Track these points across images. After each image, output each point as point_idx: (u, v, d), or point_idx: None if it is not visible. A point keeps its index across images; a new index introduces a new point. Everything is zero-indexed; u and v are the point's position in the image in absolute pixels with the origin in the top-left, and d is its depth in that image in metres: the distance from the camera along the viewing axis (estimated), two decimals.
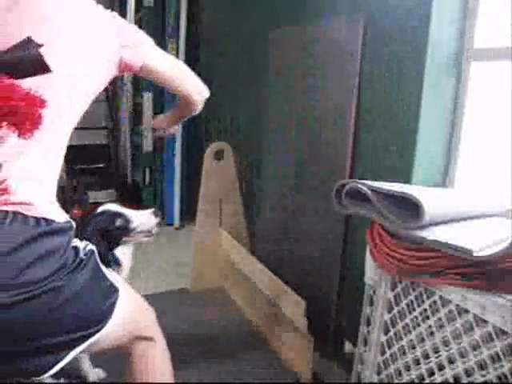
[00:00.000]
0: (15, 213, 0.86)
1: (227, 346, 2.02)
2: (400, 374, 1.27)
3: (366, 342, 1.40)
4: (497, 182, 1.38)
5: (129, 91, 3.74)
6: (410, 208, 1.11)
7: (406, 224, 1.13)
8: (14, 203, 0.86)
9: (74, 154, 3.60)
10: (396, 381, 1.28)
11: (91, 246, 1.01)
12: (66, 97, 0.97)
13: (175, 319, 2.20)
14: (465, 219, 1.24)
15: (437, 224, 1.15)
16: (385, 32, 1.53)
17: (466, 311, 1.06)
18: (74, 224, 0.98)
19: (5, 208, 0.85)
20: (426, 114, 1.41)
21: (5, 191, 0.85)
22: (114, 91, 4.34)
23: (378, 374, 1.35)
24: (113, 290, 1.02)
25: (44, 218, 0.88)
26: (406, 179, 1.44)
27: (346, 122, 1.70)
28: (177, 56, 3.23)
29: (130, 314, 1.09)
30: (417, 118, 1.41)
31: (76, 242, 0.97)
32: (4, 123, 0.81)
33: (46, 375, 0.92)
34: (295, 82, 2.02)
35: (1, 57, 0.88)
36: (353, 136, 1.68)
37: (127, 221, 1.43)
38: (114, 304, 1.00)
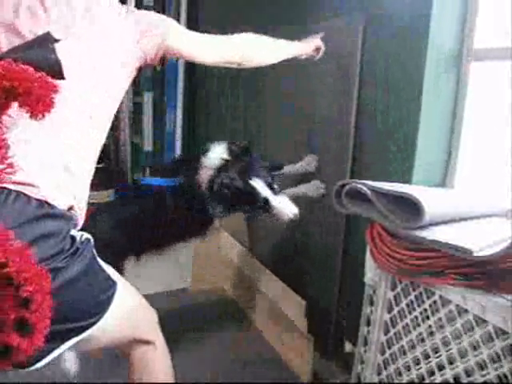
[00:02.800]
0: (18, 193, 0.86)
1: (227, 346, 2.02)
2: (400, 374, 1.27)
3: (366, 342, 1.40)
4: (497, 182, 1.38)
5: (129, 91, 3.74)
6: (410, 208, 1.11)
7: (406, 224, 1.13)
8: (18, 183, 0.87)
9: None
10: (396, 381, 1.28)
11: (87, 235, 0.99)
12: (78, 90, 0.99)
13: (175, 319, 2.20)
14: (465, 219, 1.24)
15: (437, 224, 1.15)
16: (385, 32, 1.53)
17: (466, 311, 1.06)
18: (76, 214, 0.98)
19: (9, 186, 0.86)
20: (426, 114, 1.41)
21: (11, 168, 0.84)
22: None
23: (378, 374, 1.35)
24: (110, 283, 1.01)
25: (46, 202, 0.89)
26: (406, 179, 1.44)
27: (346, 121, 1.70)
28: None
29: (130, 313, 1.08)
30: (417, 118, 1.41)
31: (74, 232, 0.96)
32: (16, 104, 0.81)
33: (35, 367, 0.90)
34: (295, 82, 2.02)
35: (17, 53, 0.89)
36: (353, 136, 1.68)
37: None
38: (111, 297, 0.99)
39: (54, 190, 0.92)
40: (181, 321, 2.19)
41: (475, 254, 1.00)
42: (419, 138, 1.42)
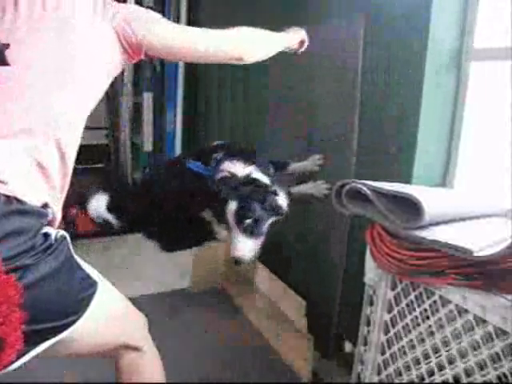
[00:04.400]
0: None
1: (227, 345, 2.02)
2: (400, 373, 1.27)
3: (366, 342, 1.40)
4: (497, 181, 1.38)
5: (129, 91, 3.74)
6: (410, 208, 1.11)
7: (406, 224, 1.13)
8: None
9: None
10: (396, 381, 1.28)
11: (63, 232, 0.96)
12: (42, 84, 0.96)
13: (175, 319, 2.21)
14: (465, 219, 1.24)
15: (437, 224, 1.15)
16: (385, 32, 1.53)
17: (466, 311, 1.06)
18: (50, 212, 0.94)
19: None
20: (425, 113, 1.41)
21: None
22: (114, 91, 4.34)
23: (378, 374, 1.35)
24: (89, 283, 0.97)
25: (15, 198, 0.86)
26: (406, 179, 1.44)
27: (346, 121, 1.70)
28: None
29: (114, 317, 1.05)
30: (417, 118, 1.41)
31: (48, 229, 0.92)
32: None
33: (7, 370, 0.84)
34: (295, 82, 2.02)
35: None
36: (354, 136, 1.68)
37: None
38: (89, 297, 0.95)
39: (24, 186, 0.89)
40: (181, 321, 2.19)
41: (475, 254, 1.00)
42: (419, 138, 1.42)
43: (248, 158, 1.64)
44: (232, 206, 1.50)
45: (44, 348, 0.89)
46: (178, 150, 3.38)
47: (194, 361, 1.90)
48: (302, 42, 1.51)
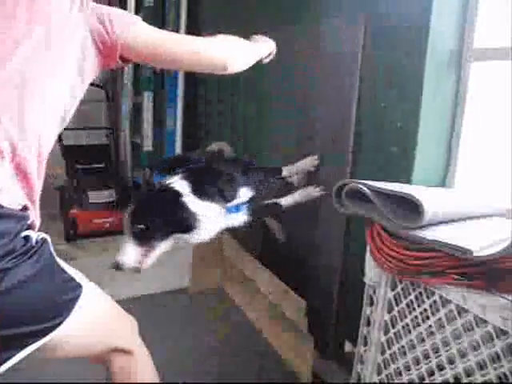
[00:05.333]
0: None
1: (227, 345, 2.02)
2: (400, 373, 1.27)
3: (366, 342, 1.40)
4: (497, 181, 1.38)
5: (129, 91, 3.74)
6: (410, 208, 1.11)
7: (406, 224, 1.13)
8: None
9: (74, 154, 3.62)
10: (396, 381, 1.28)
11: (44, 235, 0.95)
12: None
13: (175, 319, 2.21)
14: (465, 219, 1.24)
15: (437, 224, 1.15)
16: (385, 32, 1.53)
17: (466, 311, 1.06)
18: (30, 215, 0.93)
19: None
20: (425, 113, 1.41)
21: None
22: (114, 91, 4.34)
23: (378, 374, 1.35)
24: (73, 285, 0.96)
25: None
26: (406, 179, 1.44)
27: (346, 121, 1.70)
28: None
29: (102, 320, 1.04)
30: (417, 118, 1.41)
31: (28, 232, 0.91)
32: None
33: None
34: (295, 82, 2.02)
35: None
36: (353, 136, 1.68)
37: None
38: (73, 300, 0.94)
39: (3, 189, 0.88)
40: (180, 321, 2.19)
41: (475, 254, 1.00)
42: (419, 137, 1.42)
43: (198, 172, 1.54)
44: (129, 209, 1.43)
45: (28, 352, 0.88)
46: (178, 150, 3.38)
47: (193, 361, 1.90)
48: (270, 53, 1.48)
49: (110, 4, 4.41)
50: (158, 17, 3.38)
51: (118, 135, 4.05)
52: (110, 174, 3.73)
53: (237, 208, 1.62)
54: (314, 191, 1.82)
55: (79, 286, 0.96)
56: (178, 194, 1.41)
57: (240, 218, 1.64)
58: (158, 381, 1.14)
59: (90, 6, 1.04)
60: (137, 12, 3.50)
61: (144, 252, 1.40)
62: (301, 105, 1.99)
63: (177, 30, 3.23)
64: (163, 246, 1.42)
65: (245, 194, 1.64)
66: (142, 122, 3.57)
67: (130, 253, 1.36)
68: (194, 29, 3.24)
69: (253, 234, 2.39)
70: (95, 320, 1.02)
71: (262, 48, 1.38)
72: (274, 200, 1.81)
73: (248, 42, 1.30)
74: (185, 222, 1.41)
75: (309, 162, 1.89)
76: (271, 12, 2.21)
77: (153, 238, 1.39)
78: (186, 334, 2.09)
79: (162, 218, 1.38)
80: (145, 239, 1.38)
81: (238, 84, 2.62)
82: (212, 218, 1.47)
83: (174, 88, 3.31)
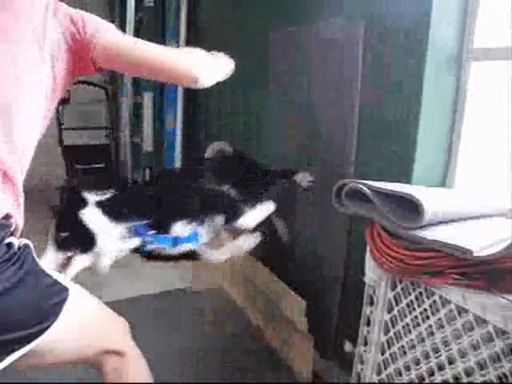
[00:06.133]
0: None
1: (227, 345, 2.02)
2: (400, 373, 1.27)
3: (366, 342, 1.40)
4: (497, 181, 1.38)
5: (129, 91, 3.74)
6: (410, 208, 1.11)
7: (406, 224, 1.13)
8: None
9: (74, 154, 3.62)
10: (396, 381, 1.28)
11: (26, 241, 0.95)
12: None
13: (175, 319, 2.21)
14: (465, 219, 1.24)
15: (437, 224, 1.15)
16: (385, 32, 1.53)
17: (466, 311, 1.06)
18: (12, 222, 0.93)
19: None
20: (426, 113, 1.41)
21: None
22: (114, 91, 4.34)
23: (378, 373, 1.35)
24: (58, 289, 0.95)
25: None
26: (406, 179, 1.44)
27: (346, 121, 1.70)
28: None
29: (91, 322, 1.04)
30: (417, 118, 1.41)
31: (10, 239, 0.91)
32: None
33: None
34: (295, 82, 2.02)
35: None
36: (354, 136, 1.68)
37: None
38: (60, 304, 0.93)
39: None
40: (181, 321, 2.19)
41: (475, 254, 1.00)
42: (419, 138, 1.42)
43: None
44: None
45: (14, 359, 0.87)
46: (177, 150, 3.38)
47: (193, 360, 1.90)
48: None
49: (110, 4, 4.41)
50: (158, 17, 3.38)
51: (117, 135, 4.05)
52: (110, 174, 3.74)
53: (174, 241, 1.47)
54: (255, 237, 1.74)
55: (65, 289, 0.96)
56: (78, 206, 1.37)
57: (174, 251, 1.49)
58: (152, 380, 1.13)
59: (63, 9, 1.03)
60: (137, 12, 3.51)
61: (64, 260, 1.36)
62: (302, 105, 1.99)
63: (177, 30, 3.23)
64: (82, 259, 1.35)
65: (184, 228, 1.48)
66: (142, 122, 3.57)
67: (49, 258, 1.33)
68: (194, 29, 3.25)
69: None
70: (84, 323, 1.01)
71: (227, 64, 1.32)
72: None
73: (215, 58, 1.25)
74: (91, 244, 1.35)
75: (302, 178, 1.88)
76: (271, 12, 2.21)
77: (73, 247, 1.34)
78: (186, 333, 2.09)
79: (83, 233, 1.34)
80: (64, 248, 1.34)
81: (238, 84, 2.62)
82: (110, 240, 1.38)
83: (174, 88, 3.31)
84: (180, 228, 1.46)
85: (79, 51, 1.03)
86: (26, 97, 0.96)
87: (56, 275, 0.98)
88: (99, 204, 1.39)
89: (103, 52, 1.04)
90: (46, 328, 0.90)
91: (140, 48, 1.08)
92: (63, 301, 0.94)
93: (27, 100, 0.97)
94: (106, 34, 1.04)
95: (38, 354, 0.92)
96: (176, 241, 1.47)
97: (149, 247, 1.44)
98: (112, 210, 1.38)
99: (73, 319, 0.95)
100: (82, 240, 1.33)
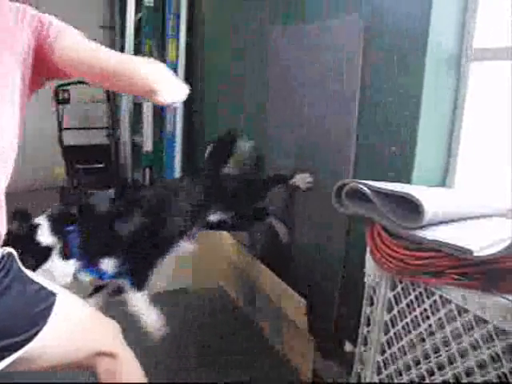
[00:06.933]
0: None
1: (227, 345, 2.02)
2: (400, 373, 1.27)
3: (366, 342, 1.40)
4: (497, 181, 1.38)
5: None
6: (410, 208, 1.11)
7: (406, 224, 1.13)
8: None
9: (74, 154, 3.62)
10: (396, 381, 1.28)
11: (9, 249, 0.94)
12: None
13: (175, 319, 2.20)
14: (465, 219, 1.24)
15: (437, 224, 1.15)
16: (385, 32, 1.52)
17: (466, 311, 1.06)
18: None
19: None
20: (425, 113, 1.41)
21: None
22: (114, 91, 4.33)
23: (378, 373, 1.35)
24: (45, 294, 0.95)
25: None
26: (406, 179, 1.44)
27: (346, 122, 1.70)
28: (177, 56, 3.23)
29: (81, 325, 1.04)
30: (417, 118, 1.41)
31: None
32: None
33: None
34: (295, 81, 2.02)
35: None
36: (353, 136, 1.68)
37: None
38: (48, 309, 0.93)
39: None
40: (181, 321, 2.19)
41: (475, 254, 1.00)
42: (419, 138, 1.42)
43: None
44: None
45: (3, 366, 0.87)
46: (177, 150, 3.38)
47: (193, 360, 1.90)
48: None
49: (109, 4, 4.41)
50: (158, 17, 3.38)
51: (118, 135, 4.05)
52: (110, 174, 3.74)
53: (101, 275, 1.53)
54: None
55: (52, 294, 0.96)
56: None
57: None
58: (145, 380, 1.13)
59: (31, 12, 1.02)
60: (137, 12, 3.51)
61: None
62: (302, 105, 1.99)
63: (177, 30, 3.23)
64: None
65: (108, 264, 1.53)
66: (142, 122, 3.57)
67: None
68: (194, 28, 3.25)
69: (254, 234, 2.39)
70: (73, 326, 1.01)
71: (186, 88, 1.19)
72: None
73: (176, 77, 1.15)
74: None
75: (301, 179, 1.91)
76: (271, 12, 2.21)
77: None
78: (185, 333, 2.09)
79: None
80: None
81: (237, 85, 2.62)
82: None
83: None
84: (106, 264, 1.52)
85: (43, 52, 1.01)
86: (3, 102, 0.95)
87: (42, 281, 0.97)
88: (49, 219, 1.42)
89: (63, 56, 1.01)
90: (36, 334, 0.90)
91: (99, 54, 1.04)
92: (51, 305, 0.94)
93: (5, 105, 0.95)
94: (67, 38, 1.02)
95: (28, 359, 0.91)
96: (101, 274, 1.52)
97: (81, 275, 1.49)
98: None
99: (61, 323, 0.95)
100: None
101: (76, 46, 1.03)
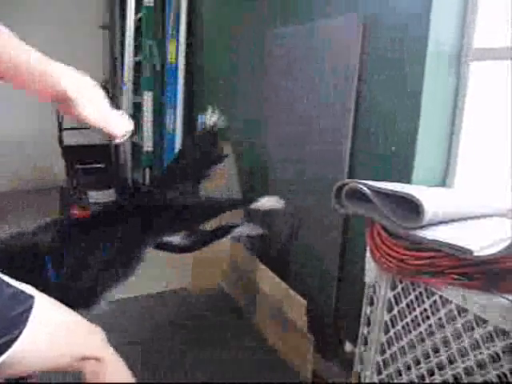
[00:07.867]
0: None
1: (227, 345, 2.02)
2: (400, 373, 1.27)
3: (366, 342, 1.40)
4: (497, 181, 1.38)
5: (129, 91, 3.74)
6: (410, 208, 1.11)
7: (406, 224, 1.13)
8: None
9: (74, 154, 3.62)
10: (396, 381, 1.28)
11: None
12: None
13: (175, 319, 2.21)
14: (465, 219, 1.24)
15: (437, 224, 1.15)
16: (384, 32, 1.53)
17: (466, 311, 1.06)
18: None
19: None
20: (425, 113, 1.41)
21: None
22: (114, 91, 4.34)
23: (378, 374, 1.35)
24: (23, 298, 0.92)
25: None
26: (406, 179, 1.44)
27: (345, 122, 1.70)
28: (177, 56, 3.23)
29: (60, 330, 1.01)
30: (417, 118, 1.41)
31: None
32: None
33: None
34: (294, 81, 2.02)
35: None
36: (352, 136, 1.68)
37: None
38: (26, 312, 0.90)
39: None
40: (181, 320, 2.19)
41: (475, 254, 1.00)
42: (419, 138, 1.42)
43: None
44: None
45: None
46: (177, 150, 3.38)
47: (193, 360, 1.90)
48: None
49: (109, 4, 4.41)
50: (158, 17, 3.38)
51: None
52: (110, 174, 3.74)
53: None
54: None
55: (30, 297, 0.93)
56: None
57: None
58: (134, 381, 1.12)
59: None
60: (137, 12, 3.51)
61: None
62: (300, 104, 1.99)
63: (177, 30, 3.23)
64: None
65: None
66: (142, 122, 3.57)
67: None
68: (194, 28, 3.25)
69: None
70: (54, 330, 0.99)
71: (120, 119, 1.01)
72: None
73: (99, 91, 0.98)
74: None
75: (271, 202, 1.90)
76: (271, 12, 2.21)
77: None
78: (185, 333, 2.09)
79: None
80: None
81: (237, 84, 2.62)
82: None
83: (174, 88, 3.31)
84: None
85: None
86: None
87: (19, 284, 0.95)
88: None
89: None
90: (15, 338, 0.88)
91: (11, 45, 0.86)
92: (29, 308, 0.91)
93: None
94: None
95: (8, 365, 0.89)
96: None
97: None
98: None
99: (41, 326, 0.93)
100: None
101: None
